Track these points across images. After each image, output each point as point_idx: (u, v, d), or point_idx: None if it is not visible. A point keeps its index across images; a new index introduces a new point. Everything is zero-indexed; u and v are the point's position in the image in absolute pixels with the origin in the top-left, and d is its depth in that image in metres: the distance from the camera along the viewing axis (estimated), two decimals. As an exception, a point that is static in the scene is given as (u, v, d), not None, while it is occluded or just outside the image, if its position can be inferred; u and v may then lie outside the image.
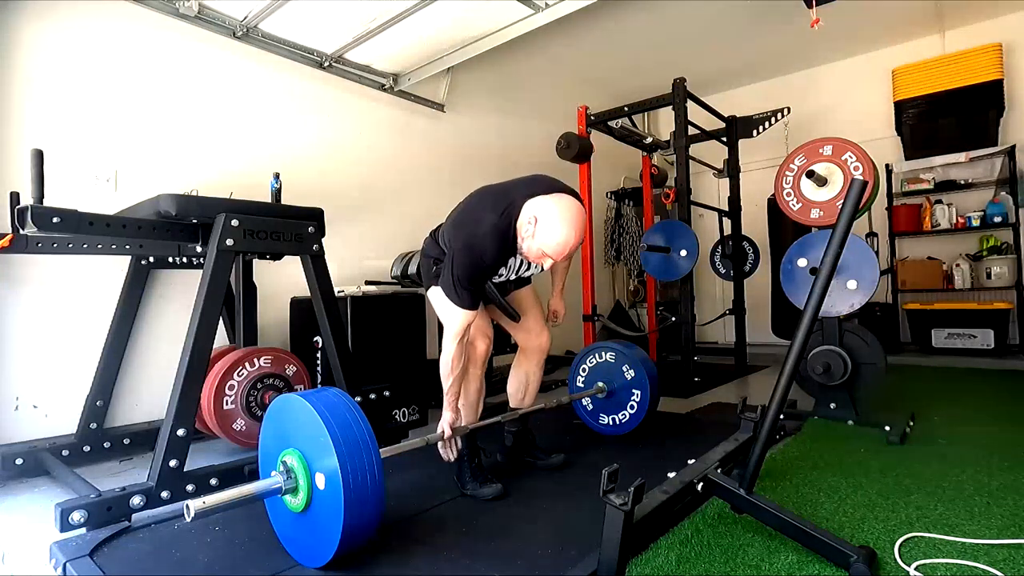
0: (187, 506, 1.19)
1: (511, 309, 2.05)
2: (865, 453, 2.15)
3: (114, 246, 2.38)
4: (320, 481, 1.31)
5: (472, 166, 4.41)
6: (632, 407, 2.45)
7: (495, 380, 3.34)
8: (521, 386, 2.18)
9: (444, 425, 1.81)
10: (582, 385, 2.59)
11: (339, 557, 1.33)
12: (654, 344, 4.93)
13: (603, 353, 2.55)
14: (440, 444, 1.85)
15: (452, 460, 1.90)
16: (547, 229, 1.65)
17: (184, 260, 2.63)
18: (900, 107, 4.95)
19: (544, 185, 1.74)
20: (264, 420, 1.51)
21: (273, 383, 2.46)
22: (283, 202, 2.73)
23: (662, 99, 3.90)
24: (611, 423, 2.52)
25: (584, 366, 2.60)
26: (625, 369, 2.47)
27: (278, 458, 1.41)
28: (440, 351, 1.84)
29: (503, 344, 3.17)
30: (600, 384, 2.51)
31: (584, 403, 2.59)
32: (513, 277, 1.98)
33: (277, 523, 1.50)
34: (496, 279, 1.94)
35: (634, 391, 2.45)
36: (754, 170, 5.51)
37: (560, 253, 1.68)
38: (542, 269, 1.92)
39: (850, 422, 2.52)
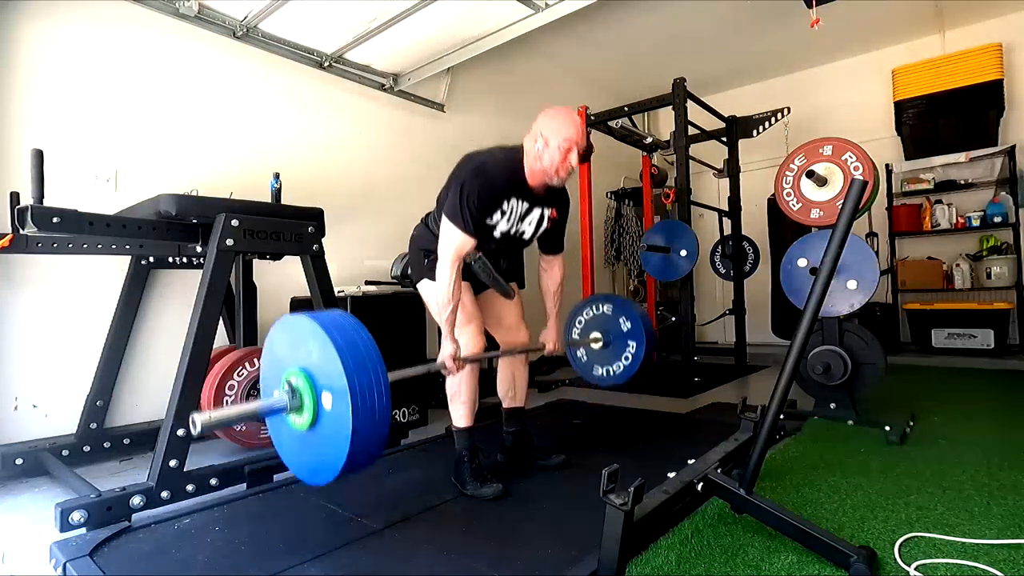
0: (193, 420, 1.17)
1: (504, 284, 2.04)
2: (865, 453, 2.15)
3: (114, 246, 2.38)
4: (326, 399, 1.27)
5: (472, 166, 4.39)
6: (627, 358, 2.40)
7: (495, 378, 3.34)
8: (510, 385, 2.17)
9: (446, 358, 1.76)
10: (578, 337, 2.57)
11: (344, 476, 1.28)
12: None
13: (600, 305, 2.52)
14: (444, 369, 1.80)
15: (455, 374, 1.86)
16: (554, 125, 1.76)
17: (184, 260, 2.63)
18: (900, 107, 4.95)
19: None
20: (266, 344, 1.46)
21: (273, 383, 2.45)
22: (283, 202, 2.73)
23: (662, 99, 3.90)
24: (605, 374, 2.47)
25: (580, 318, 2.56)
26: (622, 321, 2.43)
27: (282, 379, 1.36)
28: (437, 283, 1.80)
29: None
30: (596, 334, 2.47)
31: (578, 355, 2.55)
32: (513, 230, 1.91)
33: (281, 446, 1.45)
34: (495, 234, 1.88)
35: (629, 342, 2.40)
36: (754, 170, 5.51)
37: (577, 134, 1.78)
38: (542, 220, 1.94)
39: (850, 422, 2.52)
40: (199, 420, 1.17)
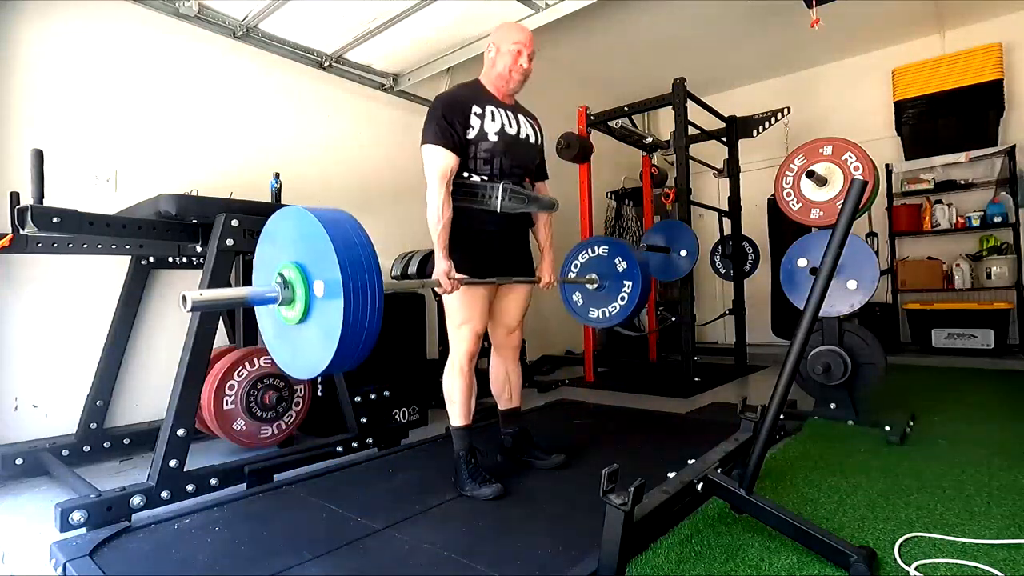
0: (184, 297, 1.15)
1: (543, 197, 2.01)
2: (865, 453, 2.15)
3: (114, 246, 2.39)
4: (319, 288, 1.24)
5: (472, 166, 4.39)
6: (623, 298, 2.40)
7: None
8: (504, 385, 2.16)
9: (440, 275, 1.76)
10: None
11: (332, 368, 1.24)
12: (654, 344, 4.93)
13: (596, 248, 2.50)
14: (438, 287, 1.80)
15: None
16: (500, 33, 1.95)
17: (184, 260, 2.63)
18: (900, 107, 4.95)
19: None
20: (261, 237, 1.41)
21: (273, 383, 2.46)
22: (283, 202, 2.73)
23: (662, 99, 3.90)
24: (601, 315, 2.46)
25: (576, 262, 2.53)
26: (617, 261, 2.42)
27: (275, 272, 1.32)
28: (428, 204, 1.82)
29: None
30: (592, 276, 2.45)
31: (574, 299, 2.53)
32: (514, 130, 1.93)
33: (270, 341, 1.42)
34: (490, 137, 1.86)
35: (625, 282, 2.39)
36: (754, 170, 5.51)
37: (527, 41, 1.95)
38: (534, 127, 2.03)
39: (850, 422, 2.52)
40: (190, 297, 1.14)
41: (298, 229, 1.29)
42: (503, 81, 1.94)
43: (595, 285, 2.45)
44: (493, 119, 1.89)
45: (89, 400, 2.43)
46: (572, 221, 4.23)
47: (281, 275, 1.29)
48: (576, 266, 2.53)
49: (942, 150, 4.77)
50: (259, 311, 1.40)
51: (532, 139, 2.01)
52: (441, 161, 1.80)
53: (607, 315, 2.45)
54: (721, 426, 2.53)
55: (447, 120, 1.82)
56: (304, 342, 1.29)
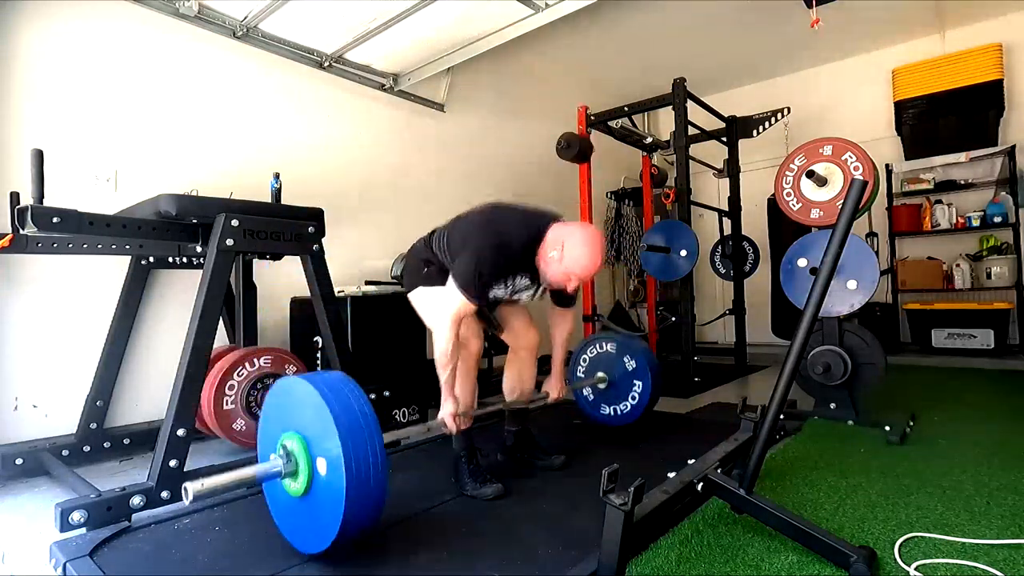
0: (185, 488, 1.18)
1: (495, 320, 2.08)
2: (865, 453, 2.15)
3: (114, 246, 2.38)
4: (321, 465, 1.27)
5: (472, 166, 4.40)
6: (633, 398, 2.45)
7: (495, 380, 3.34)
8: (516, 385, 2.17)
9: (446, 416, 1.78)
10: (583, 376, 2.59)
11: (339, 546, 1.30)
12: (654, 344, 4.92)
13: (604, 344, 2.54)
14: (444, 427, 1.82)
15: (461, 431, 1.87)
16: (575, 252, 1.72)
17: (184, 260, 2.63)
18: (900, 107, 4.95)
19: (561, 218, 1.84)
20: (264, 403, 1.48)
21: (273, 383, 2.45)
22: (283, 202, 2.73)
23: (662, 99, 3.90)
24: (612, 413, 2.51)
25: (584, 356, 2.59)
26: (626, 360, 2.47)
27: (278, 442, 1.37)
28: (435, 343, 1.80)
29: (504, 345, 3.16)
30: (601, 374, 2.50)
31: (585, 393, 2.57)
32: (508, 297, 1.92)
33: (275, 509, 1.48)
34: (489, 296, 1.87)
35: (635, 382, 2.44)
36: (754, 170, 5.51)
37: (587, 275, 1.78)
38: (536, 294, 1.94)
39: (850, 422, 2.53)
40: (191, 489, 1.18)
41: (298, 399, 1.35)
42: (544, 280, 1.84)
43: (605, 384, 2.49)
44: (507, 290, 1.86)
45: (89, 400, 2.43)
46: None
47: (284, 446, 1.34)
48: (584, 360, 2.57)
49: (942, 150, 4.77)
50: (264, 484, 1.44)
51: (522, 301, 1.97)
52: (464, 308, 1.75)
53: (619, 412, 2.51)
54: (721, 426, 2.53)
55: (491, 279, 1.76)
56: (310, 515, 1.34)
